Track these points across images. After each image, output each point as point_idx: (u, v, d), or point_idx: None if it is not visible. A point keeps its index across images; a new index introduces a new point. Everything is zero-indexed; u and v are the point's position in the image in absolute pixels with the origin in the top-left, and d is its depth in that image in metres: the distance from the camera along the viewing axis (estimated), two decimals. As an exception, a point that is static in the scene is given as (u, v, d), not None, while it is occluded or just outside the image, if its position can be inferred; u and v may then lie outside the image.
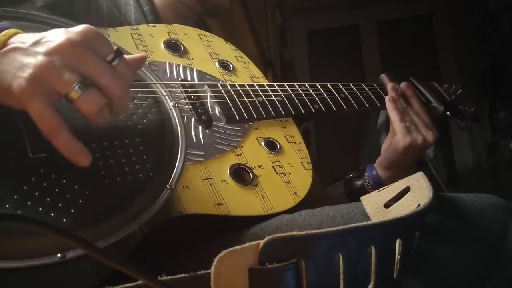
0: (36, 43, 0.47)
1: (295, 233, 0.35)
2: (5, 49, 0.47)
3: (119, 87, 0.48)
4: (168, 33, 0.76)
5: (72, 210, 0.46)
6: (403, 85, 0.88)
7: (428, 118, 0.83)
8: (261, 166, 0.64)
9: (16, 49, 0.46)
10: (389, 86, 0.86)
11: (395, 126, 0.81)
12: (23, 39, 0.48)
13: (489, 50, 2.42)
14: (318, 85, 0.79)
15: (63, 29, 0.48)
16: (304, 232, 0.35)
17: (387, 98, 0.84)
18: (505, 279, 0.46)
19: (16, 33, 0.49)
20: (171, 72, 0.69)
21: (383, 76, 0.90)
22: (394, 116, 0.81)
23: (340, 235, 0.37)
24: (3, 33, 0.48)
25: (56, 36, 0.47)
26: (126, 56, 0.52)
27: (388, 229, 0.40)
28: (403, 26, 2.97)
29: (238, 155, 0.63)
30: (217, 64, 0.76)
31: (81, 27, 0.48)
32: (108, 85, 0.47)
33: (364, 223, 0.38)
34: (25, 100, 0.45)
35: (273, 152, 0.67)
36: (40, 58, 0.45)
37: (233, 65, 0.78)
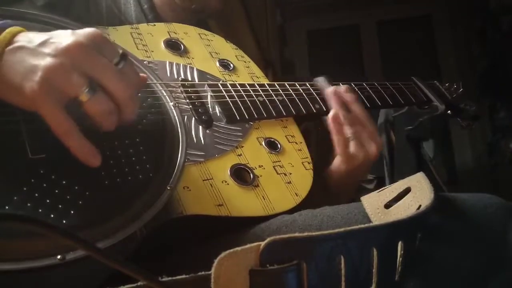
0: (43, 43, 0.46)
1: (296, 234, 0.35)
2: (11, 47, 0.47)
3: (125, 91, 0.48)
4: (168, 32, 0.76)
5: (72, 211, 0.46)
6: (343, 88, 0.75)
7: (372, 127, 0.73)
8: (262, 166, 0.63)
9: (23, 48, 0.46)
10: (329, 91, 0.73)
11: (334, 140, 0.71)
12: (30, 38, 0.47)
13: (489, 50, 2.42)
14: None
15: (69, 31, 0.48)
16: (305, 234, 0.35)
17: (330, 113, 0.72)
18: (506, 280, 0.46)
19: (21, 31, 0.48)
20: (171, 71, 0.69)
21: (320, 79, 0.75)
22: (334, 132, 0.71)
23: (341, 237, 0.37)
24: (7, 30, 0.48)
25: (63, 38, 0.47)
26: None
27: (390, 231, 0.40)
28: (403, 26, 2.97)
29: (239, 155, 0.63)
30: (217, 64, 0.76)
31: (87, 30, 0.48)
32: (115, 89, 0.47)
33: (366, 225, 0.38)
34: (37, 103, 0.45)
35: (273, 152, 0.66)
36: (48, 60, 0.45)
37: (233, 64, 0.77)
